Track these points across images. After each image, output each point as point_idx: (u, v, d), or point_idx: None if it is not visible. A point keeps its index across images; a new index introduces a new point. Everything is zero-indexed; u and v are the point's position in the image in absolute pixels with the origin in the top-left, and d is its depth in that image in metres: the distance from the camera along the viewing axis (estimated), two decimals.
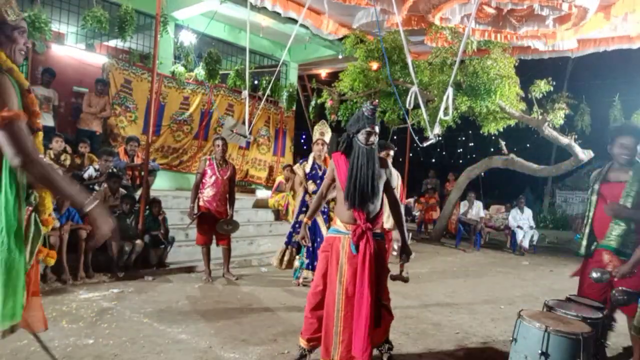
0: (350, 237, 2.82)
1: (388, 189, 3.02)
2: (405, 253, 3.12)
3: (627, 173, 3.18)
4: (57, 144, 5.92)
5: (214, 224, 5.41)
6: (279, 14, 7.52)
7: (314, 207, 3.27)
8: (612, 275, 3.18)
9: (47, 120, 6.62)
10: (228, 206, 5.52)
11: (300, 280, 5.32)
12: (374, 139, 2.85)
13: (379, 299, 2.85)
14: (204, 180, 5.40)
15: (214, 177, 5.37)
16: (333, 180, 3.06)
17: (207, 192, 5.37)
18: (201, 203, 5.38)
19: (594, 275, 3.31)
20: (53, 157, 5.87)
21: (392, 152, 4.59)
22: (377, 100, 3.01)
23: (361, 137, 2.83)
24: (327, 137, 4.99)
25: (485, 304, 5.25)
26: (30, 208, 2.06)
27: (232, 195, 5.55)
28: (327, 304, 2.88)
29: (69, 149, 6.38)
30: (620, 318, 4.71)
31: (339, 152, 3.01)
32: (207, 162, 5.42)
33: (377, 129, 2.86)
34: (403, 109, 8.49)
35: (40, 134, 2.05)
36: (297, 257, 4.42)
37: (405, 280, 3.19)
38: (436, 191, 11.94)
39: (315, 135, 5.29)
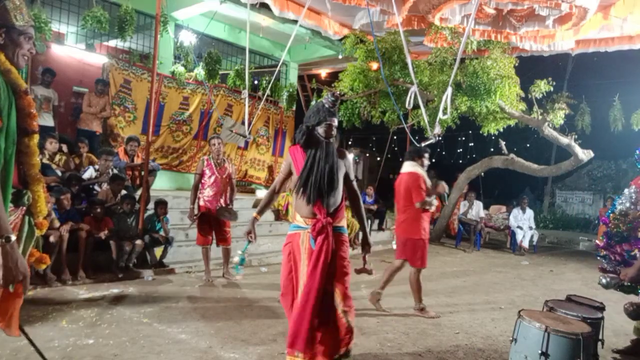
0: (310, 232, 2.71)
1: (347, 180, 2.91)
2: (366, 244, 3.02)
3: None
4: (51, 145, 5.88)
5: (215, 225, 5.41)
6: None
7: (265, 202, 3.12)
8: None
9: (47, 120, 6.63)
10: (228, 201, 5.53)
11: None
12: (334, 132, 2.76)
13: (333, 299, 2.69)
14: (203, 181, 5.40)
15: (213, 177, 5.37)
16: (289, 174, 2.93)
17: (208, 192, 5.36)
18: (201, 203, 5.38)
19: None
20: (48, 157, 5.84)
21: (426, 156, 4.68)
22: (338, 92, 2.94)
23: (321, 130, 2.73)
24: None
25: (485, 304, 5.25)
26: (24, 209, 2.06)
27: (232, 191, 5.56)
28: (295, 301, 2.77)
29: (65, 148, 6.35)
30: (620, 318, 4.72)
31: (297, 145, 2.86)
32: (205, 163, 5.41)
33: (336, 121, 2.76)
34: (401, 111, 8.48)
35: (36, 136, 2.04)
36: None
37: (370, 272, 3.15)
38: None
39: None
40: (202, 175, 5.40)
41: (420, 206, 4.42)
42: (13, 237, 1.74)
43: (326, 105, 2.73)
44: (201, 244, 5.45)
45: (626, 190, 3.85)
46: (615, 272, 3.55)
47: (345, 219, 2.95)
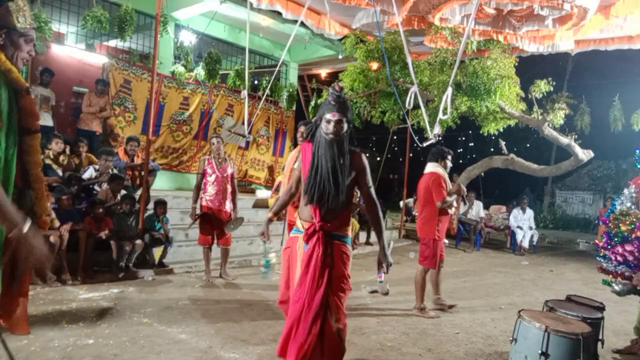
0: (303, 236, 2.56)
1: (362, 186, 2.63)
2: (384, 262, 2.64)
3: None
4: (57, 145, 5.88)
5: (216, 224, 5.41)
6: (279, 13, 7.52)
7: (281, 203, 2.95)
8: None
9: (46, 120, 6.63)
10: (231, 206, 5.51)
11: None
12: (334, 127, 2.47)
13: (327, 313, 2.45)
14: (205, 180, 5.41)
15: (214, 176, 5.38)
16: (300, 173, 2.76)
17: (210, 191, 5.37)
18: (204, 203, 5.38)
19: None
20: (52, 157, 5.85)
21: (449, 158, 4.64)
22: (342, 84, 2.61)
23: (322, 125, 2.51)
24: None
25: (485, 304, 5.25)
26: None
27: (234, 195, 5.54)
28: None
29: (67, 149, 6.36)
30: (620, 318, 4.73)
31: (307, 142, 2.67)
32: (206, 162, 5.43)
33: (338, 116, 2.47)
34: (403, 109, 8.50)
35: (38, 135, 2.05)
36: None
37: (385, 293, 2.91)
38: None
39: None
40: (203, 174, 5.40)
41: (441, 205, 4.40)
42: (28, 223, 1.64)
43: (329, 99, 2.52)
44: (202, 243, 5.45)
45: (626, 190, 3.86)
46: (624, 276, 3.54)
47: (350, 226, 2.69)
